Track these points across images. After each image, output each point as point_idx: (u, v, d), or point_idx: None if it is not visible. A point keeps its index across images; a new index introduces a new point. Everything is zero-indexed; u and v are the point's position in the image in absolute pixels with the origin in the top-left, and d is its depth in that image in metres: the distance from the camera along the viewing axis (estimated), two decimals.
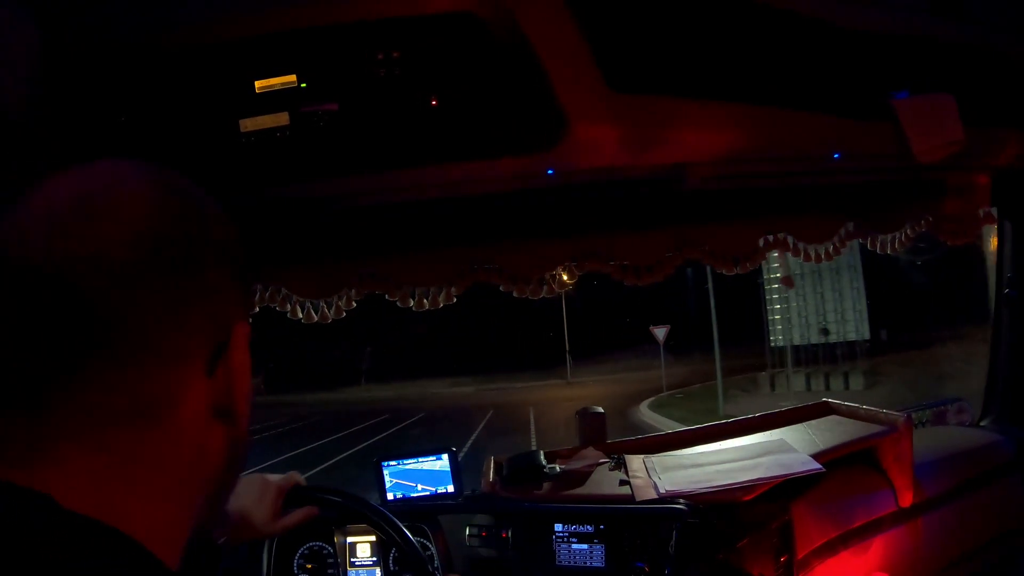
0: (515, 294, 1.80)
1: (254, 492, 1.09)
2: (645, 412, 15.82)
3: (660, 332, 17.62)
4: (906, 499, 1.78)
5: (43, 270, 0.44)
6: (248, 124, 1.32)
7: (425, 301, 1.81)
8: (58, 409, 0.45)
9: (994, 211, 2.11)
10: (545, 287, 1.81)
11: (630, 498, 1.61)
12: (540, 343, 33.97)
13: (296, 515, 1.14)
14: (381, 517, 1.12)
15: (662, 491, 1.60)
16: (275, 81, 1.30)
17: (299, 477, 1.16)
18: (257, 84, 1.30)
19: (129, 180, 0.50)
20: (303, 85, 1.30)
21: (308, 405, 25.08)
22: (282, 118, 1.31)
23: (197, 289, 0.50)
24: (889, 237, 1.99)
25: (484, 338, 37.19)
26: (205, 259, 0.51)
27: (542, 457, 1.83)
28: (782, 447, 1.78)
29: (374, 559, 1.71)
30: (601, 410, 2.04)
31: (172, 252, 0.48)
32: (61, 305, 0.44)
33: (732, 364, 19.52)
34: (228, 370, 0.52)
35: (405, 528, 1.12)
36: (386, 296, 1.76)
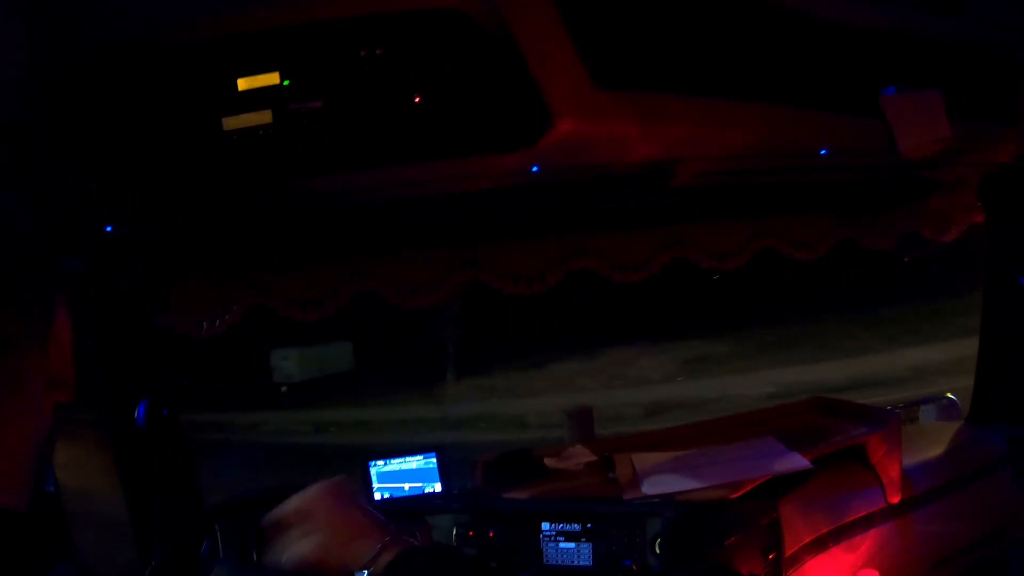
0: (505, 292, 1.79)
1: None
2: None
3: None
4: (895, 496, 1.78)
5: None
6: (231, 123, 1.31)
7: (414, 299, 1.80)
8: None
9: (982, 208, 2.11)
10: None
11: (617, 496, 1.60)
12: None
13: None
14: None
15: (649, 489, 1.59)
16: (258, 79, 1.29)
17: None
18: (240, 83, 1.29)
19: None
20: (286, 83, 1.29)
21: None
22: (265, 116, 1.30)
23: None
24: (877, 234, 1.99)
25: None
26: None
27: (530, 456, 1.82)
28: (771, 444, 1.77)
29: None
30: (589, 406, 2.04)
31: None
32: None
33: None
34: None
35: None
36: (375, 294, 1.76)
